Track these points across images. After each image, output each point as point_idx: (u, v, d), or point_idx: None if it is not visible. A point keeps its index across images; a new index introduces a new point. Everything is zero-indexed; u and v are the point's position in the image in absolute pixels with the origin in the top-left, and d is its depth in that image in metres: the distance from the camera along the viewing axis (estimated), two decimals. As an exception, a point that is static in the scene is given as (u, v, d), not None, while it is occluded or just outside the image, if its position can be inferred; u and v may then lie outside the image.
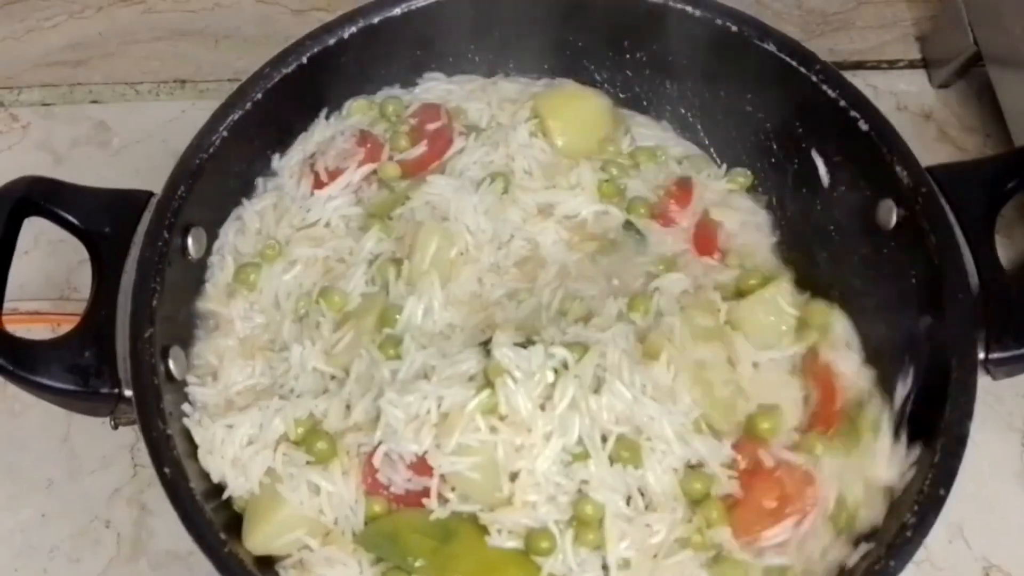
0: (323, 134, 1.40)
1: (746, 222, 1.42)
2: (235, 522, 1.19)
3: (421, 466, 1.16)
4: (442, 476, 1.16)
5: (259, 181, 1.38)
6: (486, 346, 1.20)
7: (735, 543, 1.17)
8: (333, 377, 1.24)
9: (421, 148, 1.38)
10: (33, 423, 1.43)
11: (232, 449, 1.18)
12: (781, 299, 1.30)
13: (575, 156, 1.41)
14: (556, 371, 1.17)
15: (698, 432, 1.20)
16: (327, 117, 1.42)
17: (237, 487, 1.19)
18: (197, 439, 1.19)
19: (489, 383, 1.16)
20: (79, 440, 1.44)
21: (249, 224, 1.35)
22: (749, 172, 1.45)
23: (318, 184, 1.36)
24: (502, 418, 1.15)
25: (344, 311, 1.29)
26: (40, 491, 1.42)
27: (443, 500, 1.17)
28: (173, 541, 1.37)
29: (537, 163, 1.39)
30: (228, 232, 1.34)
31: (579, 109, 1.44)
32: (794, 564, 1.17)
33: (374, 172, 1.38)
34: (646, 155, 1.45)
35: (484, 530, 1.16)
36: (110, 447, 1.42)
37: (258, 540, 1.16)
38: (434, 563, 1.15)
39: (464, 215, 1.32)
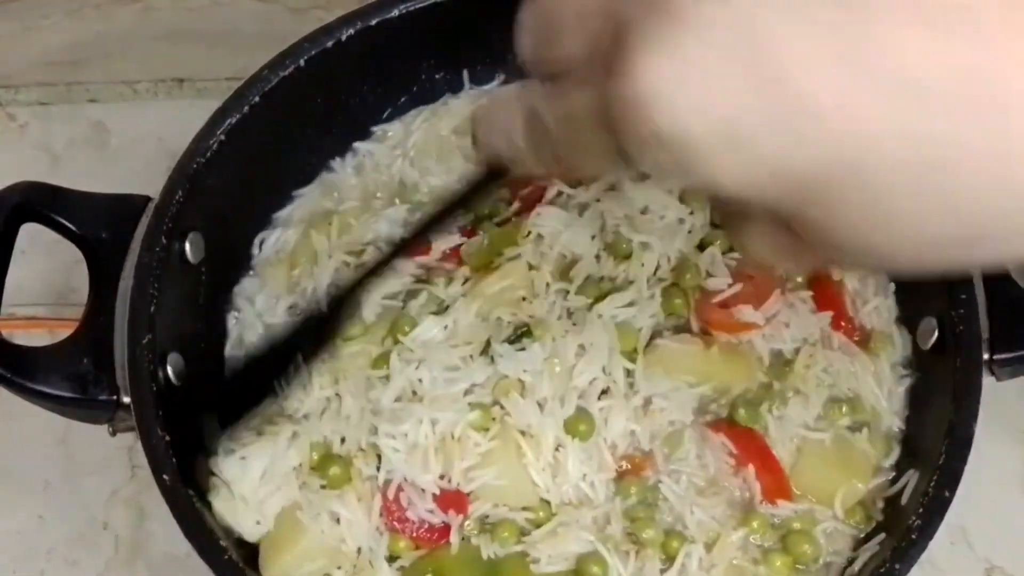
0: None
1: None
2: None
3: (446, 500, 1.16)
4: (472, 493, 1.16)
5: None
6: (485, 353, 1.20)
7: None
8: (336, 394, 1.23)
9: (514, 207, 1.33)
10: (30, 425, 1.42)
11: (245, 486, 1.16)
12: None
13: None
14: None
15: None
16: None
17: (253, 532, 1.17)
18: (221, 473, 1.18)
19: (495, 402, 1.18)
20: (77, 442, 1.43)
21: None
22: None
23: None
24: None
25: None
26: (37, 493, 1.41)
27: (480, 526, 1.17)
28: (171, 543, 1.36)
29: None
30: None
31: None
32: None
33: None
34: None
35: (528, 562, 1.16)
36: (108, 449, 1.41)
37: (277, 572, 1.15)
38: None
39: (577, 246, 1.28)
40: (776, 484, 1.20)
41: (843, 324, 1.28)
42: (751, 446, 1.21)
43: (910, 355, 1.28)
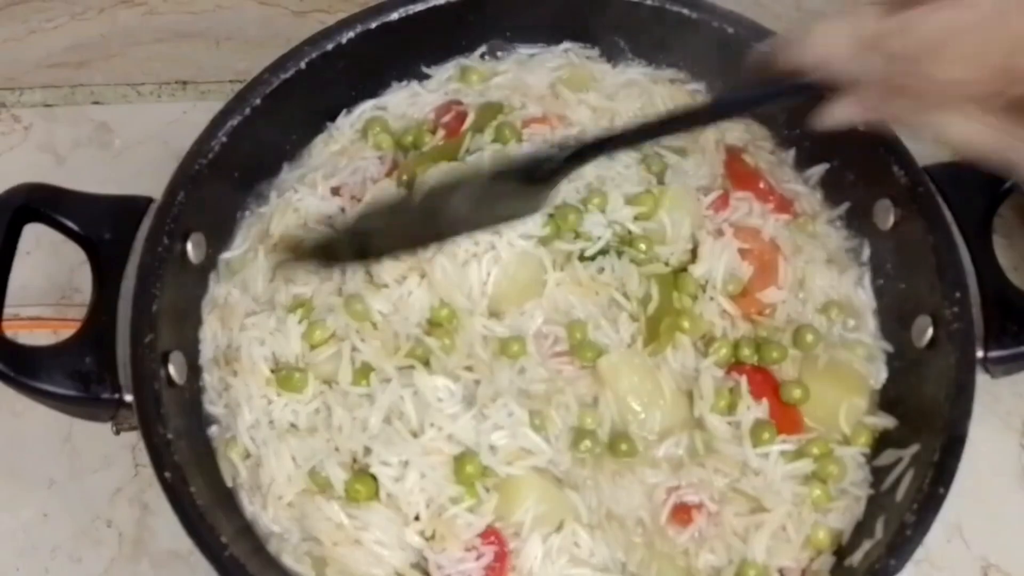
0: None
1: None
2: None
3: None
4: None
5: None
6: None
7: None
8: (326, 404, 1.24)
9: (439, 137, 1.36)
10: (35, 423, 1.43)
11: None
12: None
13: None
14: None
15: None
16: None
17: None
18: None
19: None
20: (81, 440, 1.44)
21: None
22: None
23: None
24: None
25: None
26: (42, 490, 1.42)
27: None
28: (175, 540, 1.36)
29: None
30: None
31: None
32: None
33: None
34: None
35: None
36: (112, 447, 1.41)
37: None
38: None
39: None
40: (789, 417, 1.23)
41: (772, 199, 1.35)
42: (764, 382, 1.24)
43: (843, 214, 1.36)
